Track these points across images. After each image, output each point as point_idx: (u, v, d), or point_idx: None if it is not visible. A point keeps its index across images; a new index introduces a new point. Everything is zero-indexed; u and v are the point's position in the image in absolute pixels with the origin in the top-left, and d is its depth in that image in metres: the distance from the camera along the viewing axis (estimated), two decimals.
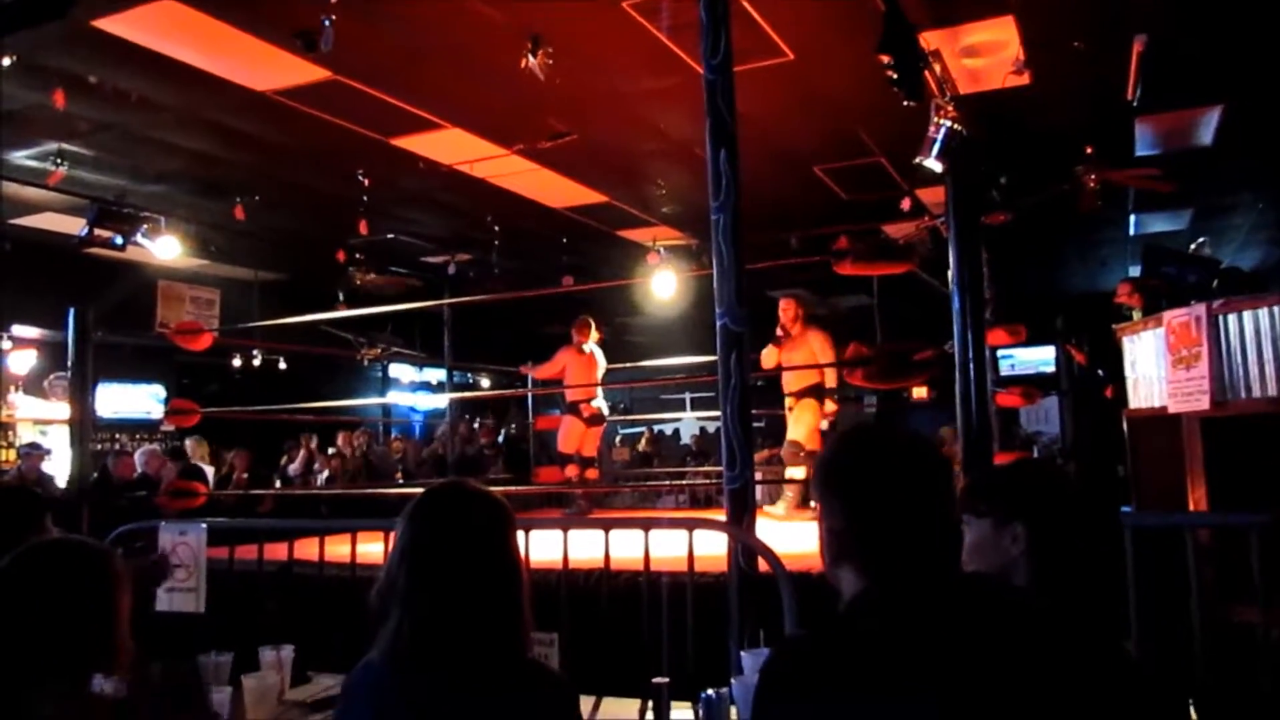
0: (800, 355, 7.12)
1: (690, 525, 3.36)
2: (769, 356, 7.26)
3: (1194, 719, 1.97)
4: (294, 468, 10.50)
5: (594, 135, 7.53)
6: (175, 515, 5.53)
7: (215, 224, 9.44)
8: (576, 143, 7.61)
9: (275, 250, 10.70)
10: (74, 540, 1.73)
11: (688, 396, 17.84)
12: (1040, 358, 15.03)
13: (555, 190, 8.99)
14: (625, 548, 3.56)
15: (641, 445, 14.23)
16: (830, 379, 7.06)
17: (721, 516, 3.43)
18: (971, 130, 5.88)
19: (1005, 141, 7.54)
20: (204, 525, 3.32)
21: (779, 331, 7.26)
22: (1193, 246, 7.88)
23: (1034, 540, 1.83)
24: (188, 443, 9.65)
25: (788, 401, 7.20)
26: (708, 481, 9.24)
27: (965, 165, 5.73)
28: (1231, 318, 4.60)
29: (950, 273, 3.88)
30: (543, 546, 3.51)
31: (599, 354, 8.12)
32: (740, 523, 3.27)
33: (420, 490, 1.79)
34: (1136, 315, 6.66)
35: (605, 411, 8.06)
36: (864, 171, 8.55)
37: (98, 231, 7.89)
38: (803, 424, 7.12)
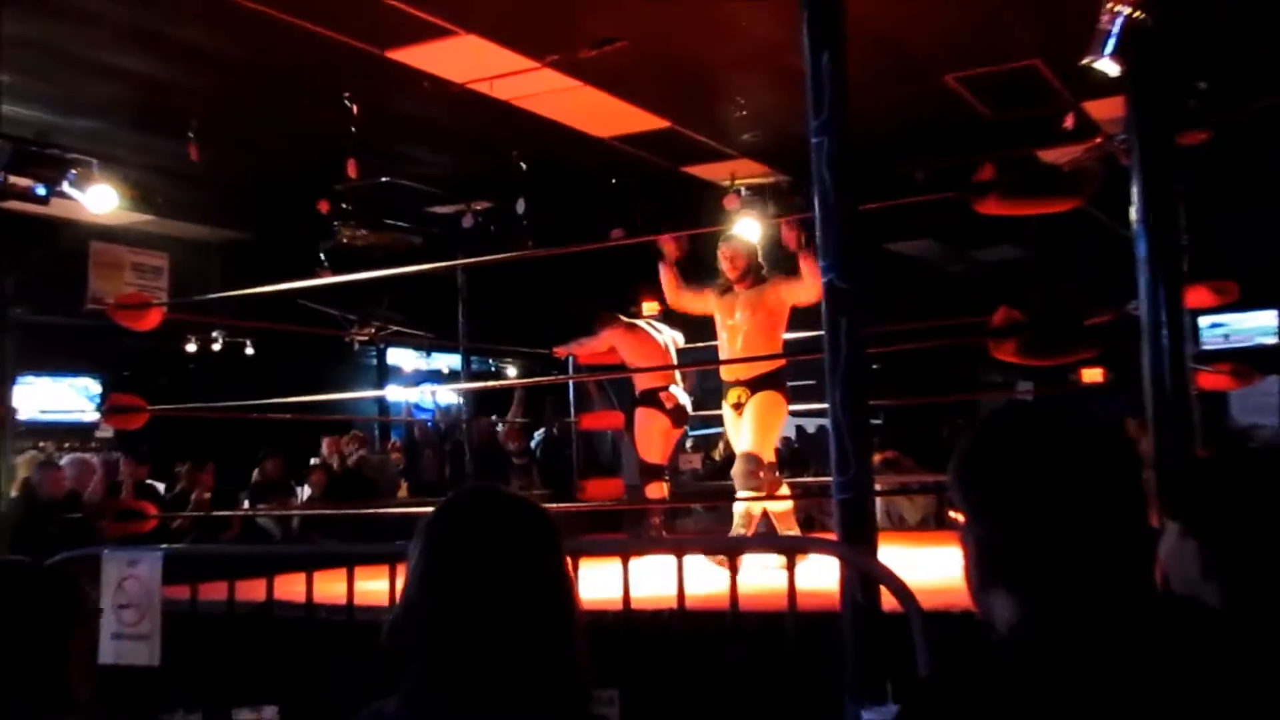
0: (759, 320, 6.64)
1: (789, 548, 3.38)
2: (684, 296, 6.91)
3: None
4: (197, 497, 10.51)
5: (651, 41, 7.54)
6: (120, 541, 5.68)
7: (163, 168, 9.63)
8: (628, 52, 7.62)
9: (240, 201, 10.90)
10: (16, 561, 1.82)
11: None
12: (1258, 324, 14.72)
13: (602, 115, 9.05)
14: (703, 580, 3.59)
15: (718, 451, 14.24)
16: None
17: (830, 537, 3.44)
18: (1159, 20, 5.78)
19: (1206, 35, 7.40)
20: (159, 553, 3.42)
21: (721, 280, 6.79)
22: None
23: (1216, 562, 1.80)
24: (121, 465, 9.53)
25: (734, 394, 6.66)
26: (808, 495, 9.26)
27: (1151, 67, 5.64)
28: None
29: (1133, 211, 3.84)
30: (597, 580, 3.55)
31: (665, 328, 8.04)
32: (856, 544, 3.28)
33: (437, 503, 1.83)
34: None
35: (688, 405, 7.81)
36: (1013, 79, 8.48)
37: (13, 179, 8.07)
38: (761, 427, 6.52)
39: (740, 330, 6.69)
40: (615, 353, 7.95)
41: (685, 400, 7.76)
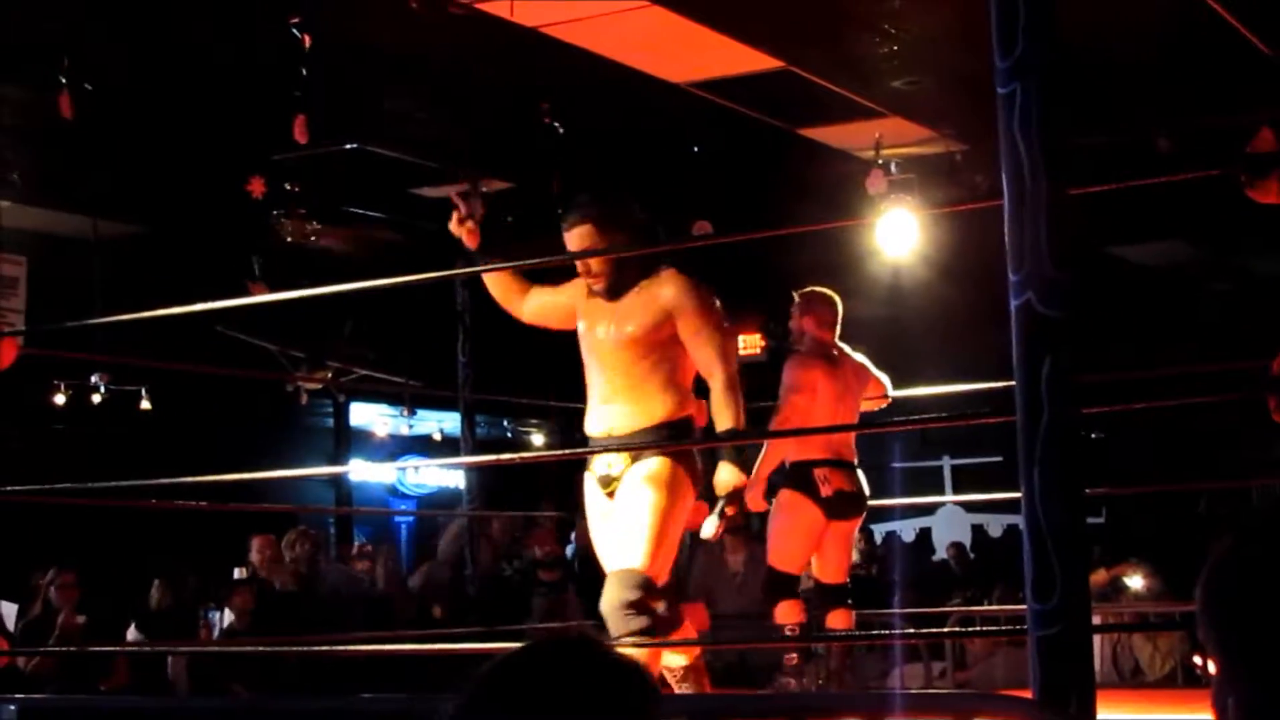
0: (637, 346, 6.11)
1: (962, 708, 3.36)
2: (520, 299, 6.44)
3: None
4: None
5: None
6: None
7: (19, 131, 9.78)
8: None
9: (132, 179, 11.03)
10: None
11: (946, 464, 17.75)
12: None
13: (677, 49, 9.10)
14: None
15: (853, 558, 14.26)
16: (703, 413, 6.11)
17: (1025, 693, 3.42)
18: None
19: None
20: (13, 708, 3.46)
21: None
22: None
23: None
24: None
25: (599, 464, 6.20)
26: (988, 629, 9.22)
27: None
28: None
29: None
30: None
31: (864, 362, 8.07)
32: (1064, 705, 3.26)
33: (490, 660, 1.84)
34: None
35: (864, 488, 7.89)
36: None
37: None
38: (649, 519, 5.95)
39: (604, 356, 6.17)
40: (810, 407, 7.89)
41: (857, 482, 7.88)
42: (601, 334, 6.08)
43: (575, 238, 6.15)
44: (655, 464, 5.93)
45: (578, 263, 6.18)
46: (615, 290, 6.06)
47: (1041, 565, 3.37)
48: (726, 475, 5.90)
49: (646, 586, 5.80)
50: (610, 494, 6.04)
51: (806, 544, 7.86)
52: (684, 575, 8.33)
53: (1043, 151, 3.48)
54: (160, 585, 10.74)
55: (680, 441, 6.05)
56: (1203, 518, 12.14)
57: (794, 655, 8.04)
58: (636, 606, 5.74)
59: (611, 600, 5.80)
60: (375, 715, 4.26)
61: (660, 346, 6.02)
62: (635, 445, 5.90)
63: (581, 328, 6.21)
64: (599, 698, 1.78)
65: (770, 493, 8.02)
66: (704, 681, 6.47)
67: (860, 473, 7.95)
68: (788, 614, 7.75)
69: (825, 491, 7.71)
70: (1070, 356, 3.45)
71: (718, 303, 6.01)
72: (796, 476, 7.83)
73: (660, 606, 5.91)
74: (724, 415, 5.89)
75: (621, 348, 6.03)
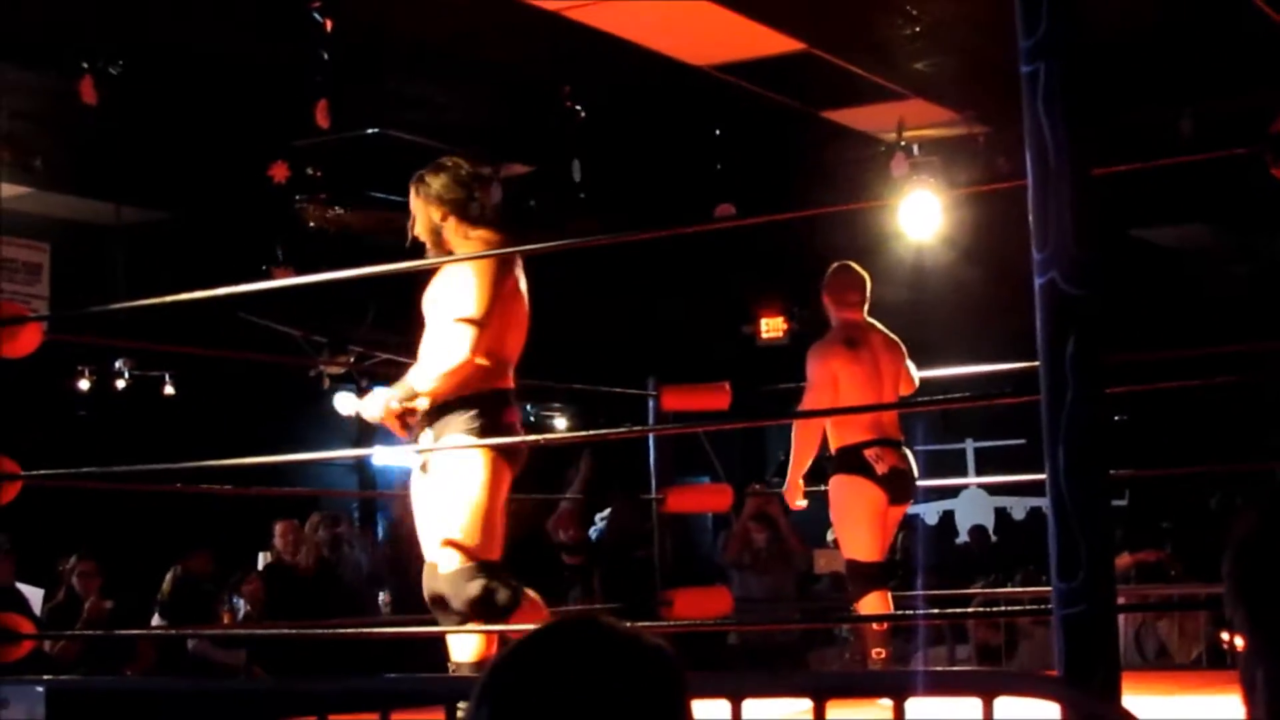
0: (439, 310, 5.93)
1: (986, 687, 3.35)
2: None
3: None
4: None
5: None
6: None
7: (42, 117, 9.79)
8: None
9: (155, 165, 11.04)
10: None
11: (969, 447, 17.71)
12: None
13: (700, 31, 9.09)
14: None
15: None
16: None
17: (1050, 672, 3.42)
18: None
19: None
20: (40, 688, 3.47)
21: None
22: None
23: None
24: None
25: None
26: (1009, 609, 9.21)
27: None
28: None
29: None
30: None
31: (895, 340, 7.93)
32: (1090, 682, 3.25)
33: (505, 646, 1.84)
34: None
35: (913, 468, 7.79)
36: None
37: None
38: (465, 505, 5.73)
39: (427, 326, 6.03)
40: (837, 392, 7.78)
41: (906, 461, 7.75)
42: (425, 302, 6.00)
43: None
44: (458, 439, 5.73)
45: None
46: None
47: (1066, 543, 3.36)
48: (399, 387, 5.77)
49: (473, 571, 5.62)
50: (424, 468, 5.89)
51: (874, 526, 7.65)
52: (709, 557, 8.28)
53: (1066, 129, 3.47)
54: (179, 571, 10.73)
55: (490, 416, 5.75)
56: (1214, 512, 12.11)
57: (882, 650, 7.83)
58: (475, 590, 5.57)
59: (446, 588, 5.65)
60: (398, 695, 4.25)
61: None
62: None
63: None
64: (621, 678, 1.77)
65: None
66: None
67: (909, 452, 7.82)
68: (874, 606, 7.54)
69: (881, 469, 7.54)
70: (1094, 334, 3.44)
71: (489, 280, 5.77)
72: (847, 460, 7.67)
73: (497, 586, 5.63)
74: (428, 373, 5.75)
75: (430, 318, 5.93)
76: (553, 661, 1.79)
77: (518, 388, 6.09)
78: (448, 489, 5.69)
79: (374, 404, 5.88)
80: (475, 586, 5.54)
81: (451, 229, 5.99)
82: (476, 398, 5.73)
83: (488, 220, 6.02)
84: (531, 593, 5.72)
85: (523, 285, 5.99)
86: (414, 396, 5.74)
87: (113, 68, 9.05)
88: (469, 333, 5.66)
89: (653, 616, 8.69)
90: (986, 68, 8.57)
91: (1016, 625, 10.05)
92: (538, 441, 6.10)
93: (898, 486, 7.63)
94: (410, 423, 5.79)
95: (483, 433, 5.71)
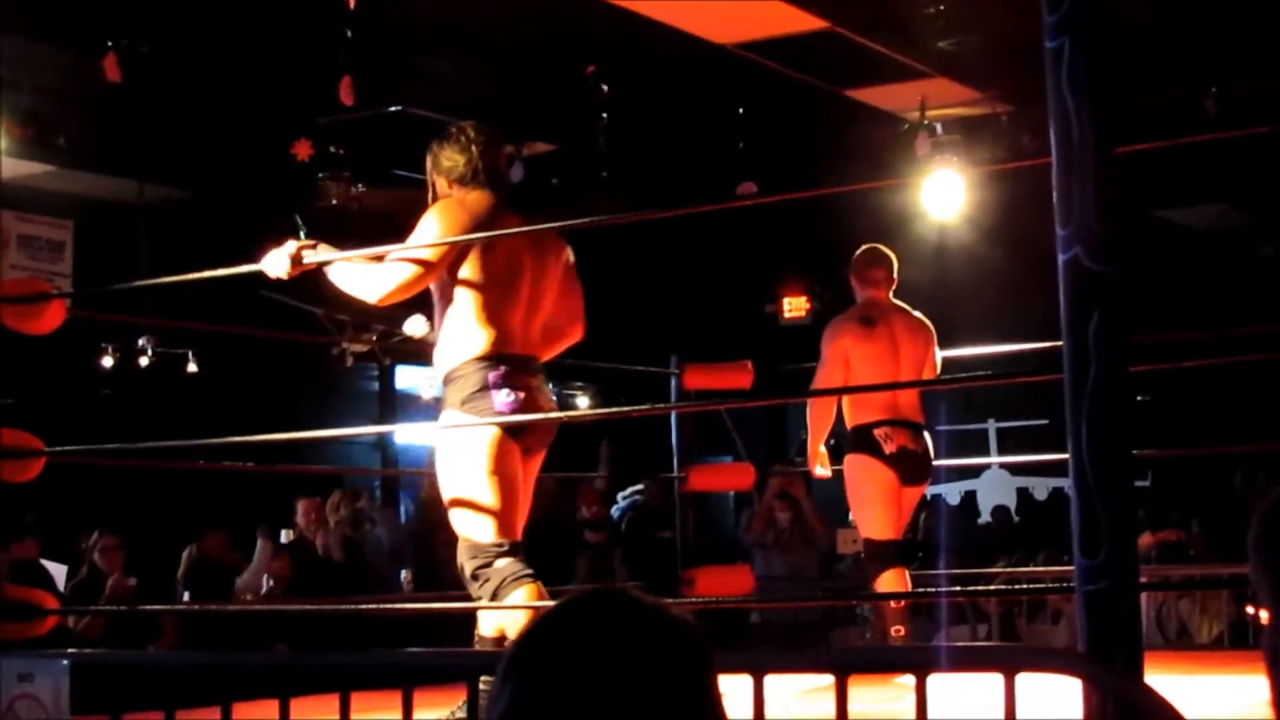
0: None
1: (1008, 663, 3.35)
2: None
3: None
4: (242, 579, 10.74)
5: None
6: (9, 647, 5.79)
7: (66, 95, 9.80)
8: None
9: (178, 143, 11.05)
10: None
11: (991, 427, 17.69)
12: None
13: (723, 10, 9.07)
14: (869, 703, 3.57)
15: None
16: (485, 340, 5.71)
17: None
18: None
19: None
20: (64, 663, 3.48)
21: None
22: None
23: None
24: None
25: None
26: (1032, 587, 9.20)
27: None
28: None
29: None
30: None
31: (922, 321, 7.94)
32: (1112, 659, 3.25)
33: (531, 617, 1.84)
34: None
35: (928, 448, 7.79)
36: None
37: None
38: (458, 481, 5.67)
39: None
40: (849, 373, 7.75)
41: (923, 442, 7.76)
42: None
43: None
44: (451, 415, 5.71)
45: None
46: None
47: (1089, 520, 3.36)
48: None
49: (475, 550, 5.58)
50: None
51: (887, 506, 7.68)
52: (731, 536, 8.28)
53: (1090, 104, 3.45)
54: (194, 552, 10.74)
55: (477, 386, 5.66)
56: (1238, 491, 12.08)
57: (901, 628, 7.84)
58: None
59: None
60: (420, 669, 4.26)
61: (445, 283, 5.93)
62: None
63: None
64: (647, 650, 1.77)
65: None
66: None
67: (926, 434, 7.83)
68: (891, 584, 7.57)
69: (888, 449, 7.57)
70: (1118, 309, 3.43)
71: (445, 227, 5.83)
72: (859, 439, 7.71)
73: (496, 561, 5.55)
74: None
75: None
76: (578, 634, 1.79)
77: (547, 366, 6.06)
78: (444, 468, 5.67)
79: (275, 261, 6.12)
80: (470, 565, 5.51)
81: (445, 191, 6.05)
82: (467, 369, 5.68)
83: (480, 182, 5.97)
84: (536, 585, 5.52)
85: (535, 259, 5.97)
86: (322, 260, 6.08)
87: (137, 45, 9.06)
88: (402, 268, 5.84)
89: (674, 595, 8.71)
90: (1009, 46, 8.53)
91: (1060, 608, 10.07)
92: (551, 419, 6.03)
93: (908, 467, 7.65)
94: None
95: (471, 404, 5.62)
